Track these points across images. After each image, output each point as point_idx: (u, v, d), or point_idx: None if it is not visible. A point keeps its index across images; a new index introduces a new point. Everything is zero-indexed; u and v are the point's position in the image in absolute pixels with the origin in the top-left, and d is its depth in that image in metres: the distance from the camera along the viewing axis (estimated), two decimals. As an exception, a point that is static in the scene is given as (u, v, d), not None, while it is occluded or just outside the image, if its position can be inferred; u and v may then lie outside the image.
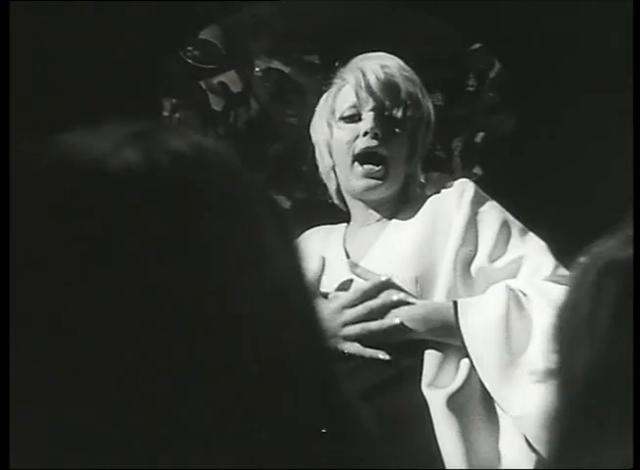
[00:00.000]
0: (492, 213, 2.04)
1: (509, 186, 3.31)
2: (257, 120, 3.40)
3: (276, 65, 3.32)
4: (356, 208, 2.08)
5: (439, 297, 1.95)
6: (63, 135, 0.68)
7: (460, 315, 1.89)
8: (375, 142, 1.98)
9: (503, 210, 2.07)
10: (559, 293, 1.92)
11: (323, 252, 1.98)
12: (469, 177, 3.42)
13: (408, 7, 3.14)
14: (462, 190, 2.05)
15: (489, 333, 1.88)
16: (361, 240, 2.07)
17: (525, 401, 1.81)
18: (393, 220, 2.06)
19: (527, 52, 3.14)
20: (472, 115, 3.44)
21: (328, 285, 1.97)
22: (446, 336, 1.92)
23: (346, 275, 1.99)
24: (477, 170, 3.49)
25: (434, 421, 1.86)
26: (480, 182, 3.41)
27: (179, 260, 0.61)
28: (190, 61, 3.33)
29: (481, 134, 3.47)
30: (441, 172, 3.11)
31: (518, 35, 3.12)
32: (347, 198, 2.09)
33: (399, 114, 1.99)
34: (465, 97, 3.41)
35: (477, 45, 3.30)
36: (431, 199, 2.07)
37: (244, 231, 0.64)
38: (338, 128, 2.02)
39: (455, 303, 1.91)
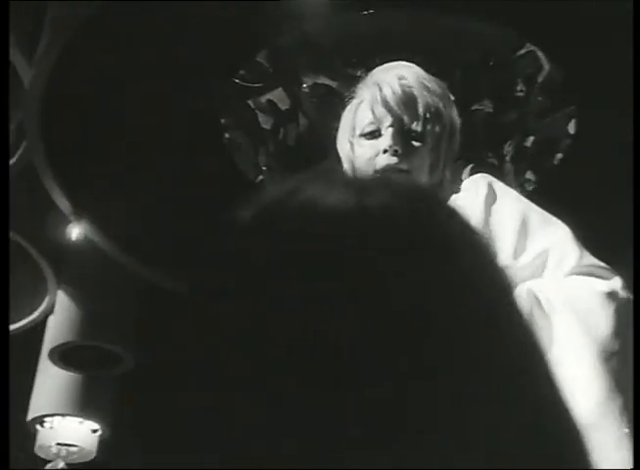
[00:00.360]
0: (510, 207, 1.96)
1: (562, 189, 3.28)
2: (307, 136, 3.41)
3: (323, 80, 3.33)
4: None
5: None
6: (294, 178, 0.72)
7: None
8: (395, 159, 1.93)
9: (521, 199, 2.00)
10: (587, 294, 1.88)
11: None
12: (522, 183, 3.42)
13: (452, 14, 3.13)
14: (476, 187, 2.00)
15: None
16: None
17: None
18: None
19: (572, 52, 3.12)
20: (521, 119, 3.42)
21: None
22: None
23: None
24: (529, 175, 3.47)
25: None
26: (534, 191, 3.42)
27: (441, 291, 0.64)
28: (237, 80, 3.36)
29: (532, 138, 3.45)
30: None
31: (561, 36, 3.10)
32: None
33: (419, 128, 1.94)
34: (514, 102, 3.39)
35: (524, 49, 3.27)
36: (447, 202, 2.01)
37: (484, 257, 0.67)
38: (359, 146, 1.98)
39: None
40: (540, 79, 3.32)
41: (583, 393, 1.73)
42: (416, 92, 1.96)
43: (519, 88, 3.37)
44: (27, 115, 3.35)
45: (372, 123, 1.96)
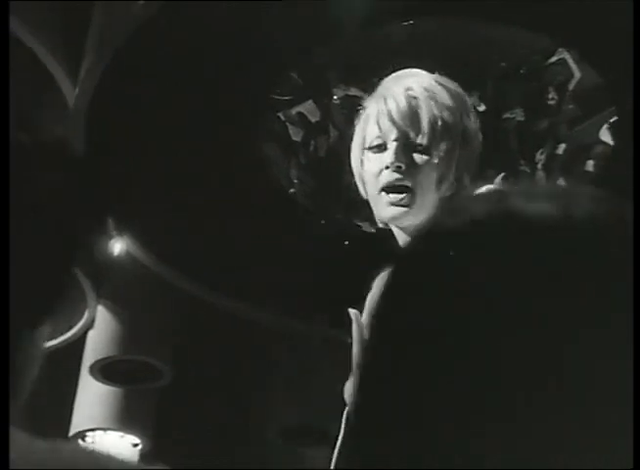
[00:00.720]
0: None
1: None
2: (338, 148, 3.42)
3: (354, 92, 3.34)
4: (399, 235, 2.02)
5: None
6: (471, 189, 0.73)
7: None
8: (397, 175, 1.85)
9: None
10: None
11: None
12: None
13: (484, 22, 3.13)
14: None
15: None
16: None
17: None
18: None
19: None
20: (553, 127, 3.41)
21: None
22: None
23: None
24: (561, 183, 3.47)
25: None
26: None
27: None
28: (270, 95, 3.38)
29: (563, 146, 3.44)
30: (526, 187, 3.09)
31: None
32: (392, 227, 2.01)
33: (425, 141, 1.85)
34: (546, 110, 3.39)
35: (555, 57, 3.27)
36: None
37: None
38: (367, 159, 1.93)
39: None
40: (571, 87, 3.31)
41: None
42: (422, 103, 1.88)
43: (550, 96, 3.36)
44: (71, 131, 3.39)
45: (378, 137, 1.91)
